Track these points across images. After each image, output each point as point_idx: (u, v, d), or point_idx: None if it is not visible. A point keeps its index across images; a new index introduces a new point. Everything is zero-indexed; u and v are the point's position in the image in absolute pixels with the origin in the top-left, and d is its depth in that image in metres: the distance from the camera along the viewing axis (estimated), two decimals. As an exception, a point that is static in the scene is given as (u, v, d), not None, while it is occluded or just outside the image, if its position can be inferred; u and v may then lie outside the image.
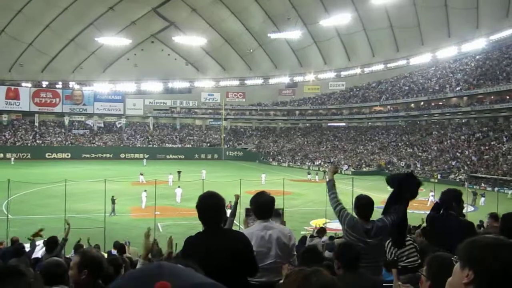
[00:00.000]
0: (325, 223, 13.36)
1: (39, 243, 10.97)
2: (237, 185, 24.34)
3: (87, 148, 72.20)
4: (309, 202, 29.96)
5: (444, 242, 3.31)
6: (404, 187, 4.48)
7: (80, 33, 71.36)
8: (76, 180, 30.86)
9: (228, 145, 79.57)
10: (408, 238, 4.71)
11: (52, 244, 8.58)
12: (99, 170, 46.79)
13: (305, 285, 1.43)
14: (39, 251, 10.62)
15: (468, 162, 48.94)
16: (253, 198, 3.71)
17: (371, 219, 4.30)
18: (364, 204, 4.30)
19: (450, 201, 4.47)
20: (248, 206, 4.34)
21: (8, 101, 73.75)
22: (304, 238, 12.07)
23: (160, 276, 0.77)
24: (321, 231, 13.20)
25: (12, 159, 60.40)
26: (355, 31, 72.25)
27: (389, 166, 56.27)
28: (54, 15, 65.89)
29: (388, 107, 71.21)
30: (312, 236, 12.59)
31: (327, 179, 4.77)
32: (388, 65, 76.15)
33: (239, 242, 2.99)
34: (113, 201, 24.49)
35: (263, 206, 3.65)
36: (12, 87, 74.07)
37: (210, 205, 3.02)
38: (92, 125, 79.57)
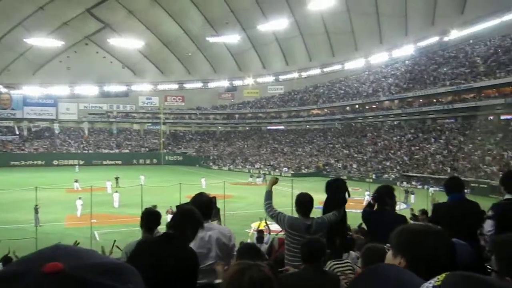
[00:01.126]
0: (265, 225, 13.46)
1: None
2: (177, 190, 24.00)
3: (16, 155, 68.09)
4: (250, 205, 30.07)
5: (380, 235, 3.44)
6: (335, 190, 4.87)
7: (7, 33, 67.25)
8: (5, 189, 29.08)
9: (168, 150, 78.29)
10: (348, 261, 4.80)
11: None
12: (30, 177, 44.31)
13: (236, 279, 1.41)
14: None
15: (400, 162, 51.33)
16: (192, 199, 3.69)
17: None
18: (304, 201, 4.46)
19: (384, 197, 4.67)
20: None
21: None
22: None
23: (54, 257, 0.72)
24: (260, 232, 13.23)
25: None
26: (292, 36, 73.83)
27: (327, 167, 57.81)
28: (-23, 14, 61.79)
29: (325, 110, 73.21)
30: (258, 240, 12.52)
31: (266, 189, 4.93)
32: (325, 70, 78.50)
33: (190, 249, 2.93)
34: (36, 210, 23.14)
35: (202, 207, 3.61)
36: None
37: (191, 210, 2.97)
38: (21, 130, 75.23)
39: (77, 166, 61.29)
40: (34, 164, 65.74)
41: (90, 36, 77.15)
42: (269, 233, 13.15)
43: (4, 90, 74.92)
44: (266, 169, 60.15)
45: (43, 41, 68.47)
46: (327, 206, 4.85)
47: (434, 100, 55.74)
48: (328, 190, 5.02)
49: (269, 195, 4.84)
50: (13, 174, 50.97)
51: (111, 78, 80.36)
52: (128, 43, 73.20)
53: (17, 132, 74.72)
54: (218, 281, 3.17)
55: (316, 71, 79.36)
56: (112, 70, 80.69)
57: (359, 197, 29.62)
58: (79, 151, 73.27)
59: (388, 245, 1.59)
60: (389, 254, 1.56)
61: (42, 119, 77.83)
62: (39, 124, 77.94)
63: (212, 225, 3.68)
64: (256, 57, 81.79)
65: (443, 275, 0.99)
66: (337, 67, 77.16)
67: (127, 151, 76.54)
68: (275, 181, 4.98)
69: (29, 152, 69.93)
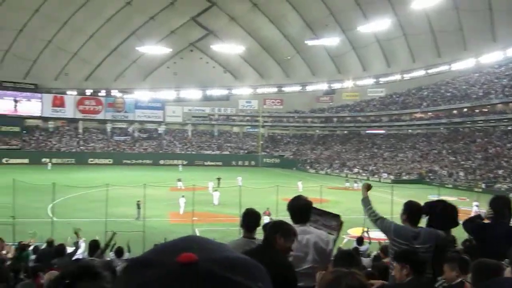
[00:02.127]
0: (364, 231, 13.07)
1: (82, 245, 11.29)
2: (274, 192, 24.31)
3: (128, 154, 73.96)
4: (347, 210, 29.40)
5: (496, 250, 3.16)
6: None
7: (122, 43, 73.59)
8: (117, 185, 31.59)
9: (266, 152, 79.64)
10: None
11: (93, 247, 8.86)
12: (139, 175, 47.75)
13: (333, 287, 1.38)
14: (83, 253, 10.92)
15: (515, 171, 46.98)
16: (290, 202, 3.70)
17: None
18: (415, 209, 4.33)
19: (502, 209, 4.29)
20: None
21: (54, 109, 76.70)
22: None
23: (186, 248, 0.73)
24: (360, 240, 12.92)
25: (49, 164, 60.96)
26: (394, 37, 71.06)
27: (430, 174, 54.76)
28: (97, 26, 68.34)
29: (429, 114, 69.32)
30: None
31: (362, 197, 4.83)
32: (429, 71, 74.46)
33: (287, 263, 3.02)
34: (138, 206, 24.88)
35: (301, 210, 3.61)
36: (58, 95, 76.96)
37: None
38: (132, 131, 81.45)
39: (180, 166, 64.77)
40: (143, 163, 70.77)
41: (194, 43, 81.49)
42: (370, 241, 12.68)
43: (119, 94, 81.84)
44: (364, 174, 58.57)
45: (152, 49, 73.77)
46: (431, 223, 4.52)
47: (557, 103, 50.18)
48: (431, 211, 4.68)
49: (367, 201, 4.72)
50: (124, 172, 55.33)
51: (213, 83, 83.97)
52: (230, 48, 75.86)
53: (137, 134, 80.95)
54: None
55: (420, 72, 75.57)
56: (215, 75, 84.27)
57: (467, 208, 27.63)
58: (183, 152, 77.44)
59: (506, 260, 1.45)
60: (508, 271, 1.42)
61: (151, 121, 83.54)
62: (147, 126, 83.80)
63: (310, 229, 3.65)
64: (355, 59, 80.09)
65: None
66: (443, 68, 72.79)
67: (227, 152, 79.26)
68: (368, 187, 4.87)
69: (139, 152, 75.51)
